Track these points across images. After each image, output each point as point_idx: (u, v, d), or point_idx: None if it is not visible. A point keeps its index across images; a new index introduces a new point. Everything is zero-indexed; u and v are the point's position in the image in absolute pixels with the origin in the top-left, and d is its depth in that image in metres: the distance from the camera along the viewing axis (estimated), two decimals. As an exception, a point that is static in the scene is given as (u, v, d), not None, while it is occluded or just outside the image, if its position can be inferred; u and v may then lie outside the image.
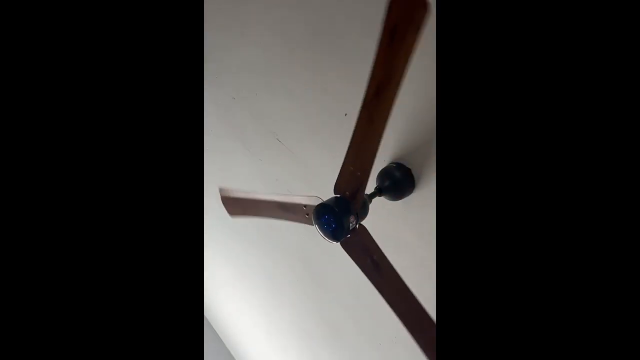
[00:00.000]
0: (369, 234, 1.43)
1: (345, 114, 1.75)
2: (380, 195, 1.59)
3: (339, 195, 1.39)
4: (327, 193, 1.42)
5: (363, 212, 1.44)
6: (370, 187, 1.60)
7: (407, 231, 1.64)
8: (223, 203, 1.71)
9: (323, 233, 1.41)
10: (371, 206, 1.53)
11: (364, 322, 2.27)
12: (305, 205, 1.49)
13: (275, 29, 1.74)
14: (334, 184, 1.37)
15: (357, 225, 1.42)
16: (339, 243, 1.44)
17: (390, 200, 1.63)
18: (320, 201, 1.42)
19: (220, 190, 1.69)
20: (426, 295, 1.40)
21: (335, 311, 2.37)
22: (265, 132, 2.13)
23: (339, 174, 1.33)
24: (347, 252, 1.44)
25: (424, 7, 0.83)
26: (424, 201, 1.60)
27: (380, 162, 1.65)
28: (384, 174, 1.63)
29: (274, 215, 1.60)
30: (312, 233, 1.48)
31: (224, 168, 2.47)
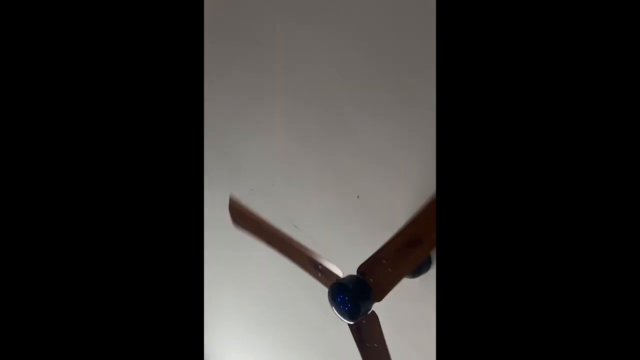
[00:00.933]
0: (378, 322, 1.41)
1: (358, 196, 1.81)
2: (396, 273, 1.58)
3: (360, 276, 1.39)
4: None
5: None
6: (386, 264, 1.60)
7: (425, 308, 1.60)
8: (230, 211, 1.71)
9: (337, 311, 1.40)
10: (387, 283, 1.51)
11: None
12: (320, 265, 1.48)
13: (287, 120, 1.87)
14: (360, 264, 1.37)
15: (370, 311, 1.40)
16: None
17: (407, 277, 1.62)
18: (337, 279, 1.42)
19: (231, 199, 1.68)
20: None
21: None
22: (283, 219, 2.18)
23: (371, 257, 1.34)
24: (352, 333, 1.42)
25: None
26: (441, 277, 1.58)
27: (395, 239, 1.66)
28: (399, 251, 1.63)
29: (281, 250, 1.60)
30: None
31: (243, 256, 2.50)
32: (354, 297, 1.35)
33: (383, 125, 1.57)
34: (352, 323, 1.39)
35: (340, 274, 1.43)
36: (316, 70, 1.64)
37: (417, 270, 1.61)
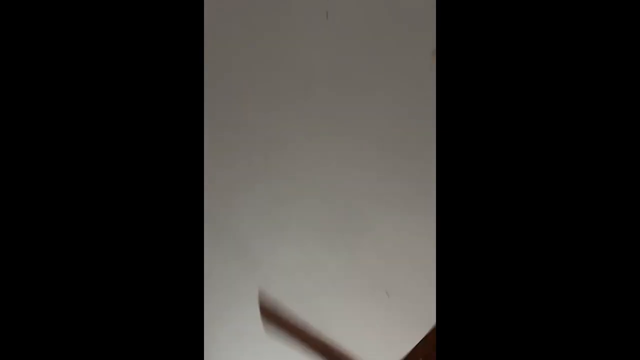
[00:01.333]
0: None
1: (387, 294, 1.79)
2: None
3: None
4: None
5: None
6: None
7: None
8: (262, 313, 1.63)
9: None
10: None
11: None
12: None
13: (310, 226, 1.92)
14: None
15: None
16: None
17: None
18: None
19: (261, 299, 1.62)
20: None
21: None
22: (316, 324, 2.14)
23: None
24: None
25: None
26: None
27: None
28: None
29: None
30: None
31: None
32: None
33: (403, 217, 1.61)
34: None
35: None
36: (331, 171, 1.72)
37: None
